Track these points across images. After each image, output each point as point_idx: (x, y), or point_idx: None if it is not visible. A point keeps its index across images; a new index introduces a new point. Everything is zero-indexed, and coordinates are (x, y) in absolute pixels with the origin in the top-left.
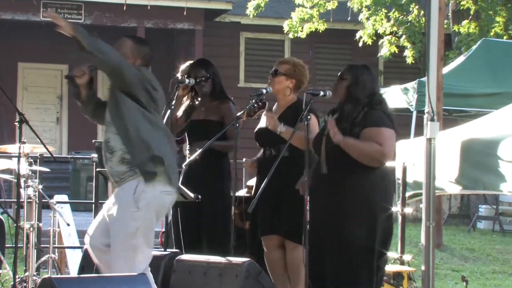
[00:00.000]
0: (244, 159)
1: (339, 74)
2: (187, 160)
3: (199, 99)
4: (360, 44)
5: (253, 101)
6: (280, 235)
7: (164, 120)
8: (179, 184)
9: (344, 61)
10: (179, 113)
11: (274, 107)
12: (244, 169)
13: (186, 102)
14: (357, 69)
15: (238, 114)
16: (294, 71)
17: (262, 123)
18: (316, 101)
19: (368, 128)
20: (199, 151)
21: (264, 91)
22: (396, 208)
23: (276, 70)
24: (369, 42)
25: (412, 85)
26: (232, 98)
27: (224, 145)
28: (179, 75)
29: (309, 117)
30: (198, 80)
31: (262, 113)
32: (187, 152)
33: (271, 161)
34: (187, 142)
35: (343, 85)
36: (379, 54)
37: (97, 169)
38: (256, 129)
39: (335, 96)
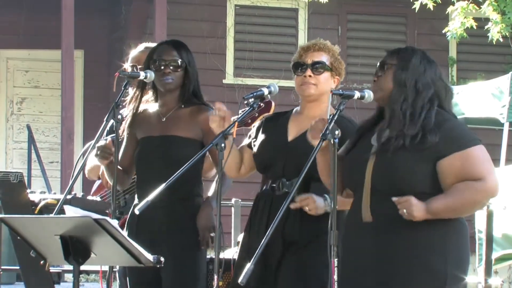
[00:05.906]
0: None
1: (379, 62)
2: (141, 204)
3: (157, 103)
4: (416, 8)
5: (250, 105)
6: None
7: (100, 141)
8: (129, 240)
9: (394, 43)
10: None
11: (294, 112)
12: (233, 215)
13: (130, 107)
14: (408, 51)
15: (225, 128)
16: (336, 61)
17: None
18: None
19: (459, 153)
20: (154, 193)
21: (266, 90)
22: (475, 278)
23: (319, 62)
24: (430, 5)
25: (501, 81)
26: (209, 103)
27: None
28: (128, 65)
29: (337, 132)
30: (163, 67)
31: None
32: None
33: (278, 201)
34: (137, 174)
35: (387, 75)
36: (446, 29)
37: None
38: (257, 146)
39: (378, 97)
